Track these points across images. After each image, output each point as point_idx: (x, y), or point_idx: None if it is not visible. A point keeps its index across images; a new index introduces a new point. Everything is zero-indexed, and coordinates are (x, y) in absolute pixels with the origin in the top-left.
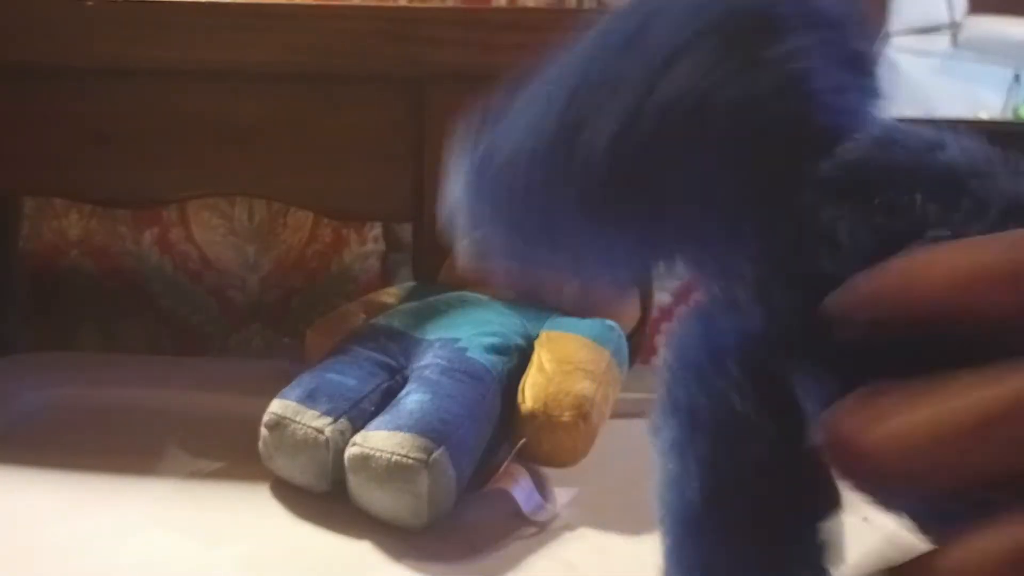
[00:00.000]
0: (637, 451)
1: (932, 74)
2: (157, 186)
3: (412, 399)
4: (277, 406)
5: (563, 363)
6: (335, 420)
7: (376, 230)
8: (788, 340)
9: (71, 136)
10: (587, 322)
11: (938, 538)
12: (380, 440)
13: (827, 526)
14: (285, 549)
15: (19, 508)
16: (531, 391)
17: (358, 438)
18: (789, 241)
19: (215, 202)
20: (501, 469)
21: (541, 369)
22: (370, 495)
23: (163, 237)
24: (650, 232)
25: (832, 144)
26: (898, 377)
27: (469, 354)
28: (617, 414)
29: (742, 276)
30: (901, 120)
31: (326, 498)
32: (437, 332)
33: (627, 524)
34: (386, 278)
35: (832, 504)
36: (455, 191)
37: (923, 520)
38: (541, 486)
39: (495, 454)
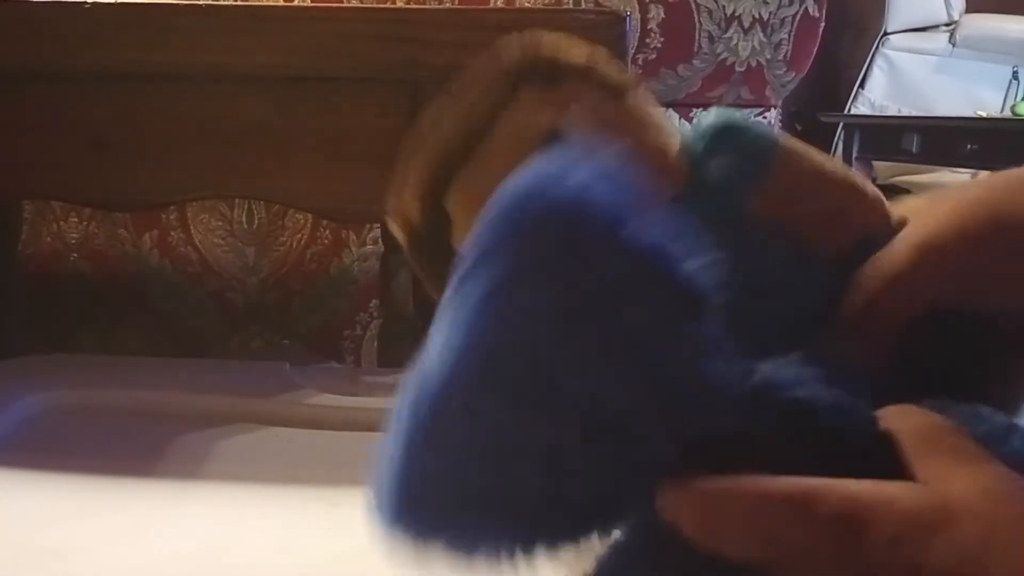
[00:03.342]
0: None
1: (931, 72)
2: (156, 189)
3: None
4: None
5: None
6: None
7: (375, 232)
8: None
9: (70, 139)
10: None
11: None
12: None
13: None
14: (285, 549)
15: (19, 510)
16: None
17: None
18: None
19: (214, 205)
20: None
21: None
22: None
23: (163, 240)
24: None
25: None
26: None
27: None
28: None
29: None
30: None
31: (326, 499)
32: None
33: None
34: (386, 280)
35: None
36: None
37: None
38: None
39: None
